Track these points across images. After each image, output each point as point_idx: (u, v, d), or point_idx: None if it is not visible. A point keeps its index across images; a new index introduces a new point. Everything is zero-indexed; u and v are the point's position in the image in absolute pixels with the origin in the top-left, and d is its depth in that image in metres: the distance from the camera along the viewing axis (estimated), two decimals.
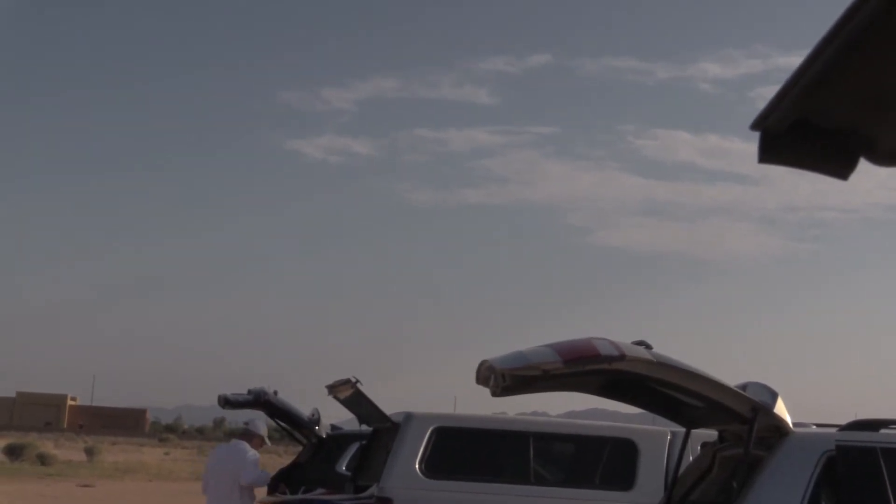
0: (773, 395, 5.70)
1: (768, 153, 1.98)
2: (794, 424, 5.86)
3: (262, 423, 11.32)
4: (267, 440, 11.24)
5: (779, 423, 5.71)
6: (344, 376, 10.04)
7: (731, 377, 5.77)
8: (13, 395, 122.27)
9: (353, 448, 12.51)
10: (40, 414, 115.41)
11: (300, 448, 13.56)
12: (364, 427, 10.94)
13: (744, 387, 5.74)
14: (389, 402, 10.30)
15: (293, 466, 13.24)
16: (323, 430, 13.00)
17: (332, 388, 10.21)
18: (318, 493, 10.40)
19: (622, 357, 5.32)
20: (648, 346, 5.48)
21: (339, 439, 13.13)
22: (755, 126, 1.96)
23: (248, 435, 10.98)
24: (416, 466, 9.32)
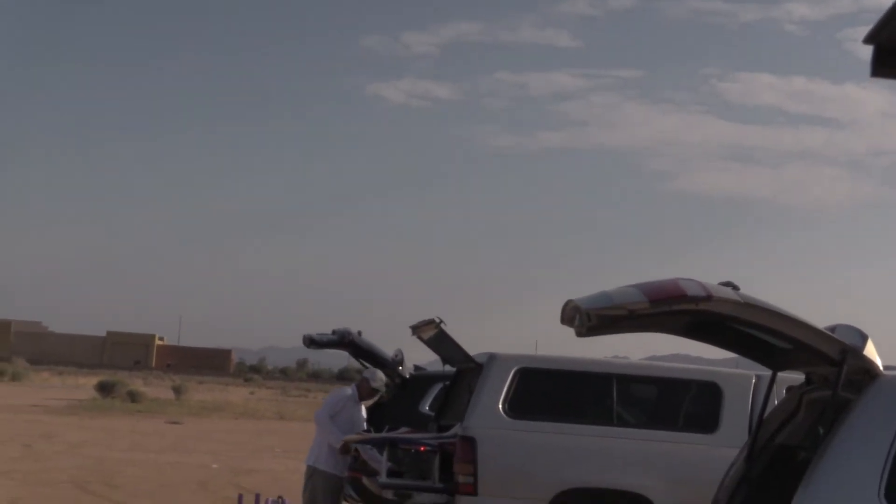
0: (864, 338, 5.62)
1: (881, 67, 1.95)
2: (885, 368, 5.79)
3: (377, 371, 11.32)
4: (380, 389, 11.07)
5: (868, 366, 5.64)
6: (428, 317, 10.12)
7: (819, 321, 5.71)
8: (104, 334, 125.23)
9: (437, 388, 12.62)
10: (129, 353, 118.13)
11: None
12: (447, 367, 11.03)
13: (833, 329, 5.67)
14: (471, 345, 10.36)
15: (376, 406, 13.41)
16: (406, 370, 13.13)
17: (416, 329, 10.29)
18: (402, 432, 10.53)
19: (709, 297, 5.28)
20: (735, 287, 5.44)
21: (423, 380, 13.23)
22: (868, 39, 1.93)
23: (360, 381, 11.13)
24: (500, 406, 9.38)
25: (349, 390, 10.99)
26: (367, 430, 11.58)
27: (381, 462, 9.82)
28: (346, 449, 10.44)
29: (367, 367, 11.86)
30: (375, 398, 11.34)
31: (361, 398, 10.93)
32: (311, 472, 10.64)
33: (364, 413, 11.11)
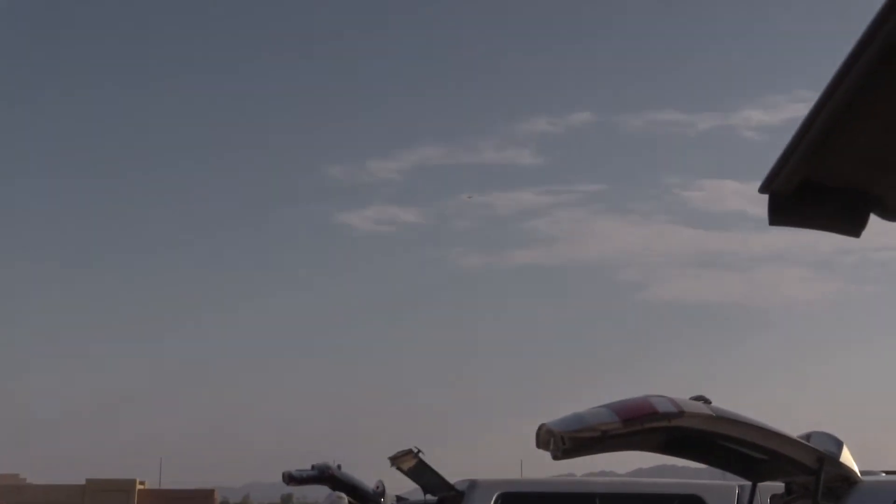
0: (839, 445, 5.61)
1: (778, 215, 2.00)
2: (862, 473, 5.76)
3: (342, 500, 11.13)
4: None
5: (846, 473, 5.62)
6: (406, 447, 10.02)
7: (795, 426, 5.70)
8: (83, 482, 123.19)
9: None
10: (110, 500, 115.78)
11: None
12: (429, 497, 10.88)
13: (808, 437, 5.65)
14: (456, 469, 10.24)
15: None
16: (388, 501, 12.93)
17: (395, 460, 10.18)
18: None
19: (681, 413, 5.28)
20: (707, 401, 5.43)
21: None
22: (763, 189, 1.98)
23: None
24: None
25: None
26: None
27: None
28: None
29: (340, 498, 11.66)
30: None
31: None
32: None
33: None
